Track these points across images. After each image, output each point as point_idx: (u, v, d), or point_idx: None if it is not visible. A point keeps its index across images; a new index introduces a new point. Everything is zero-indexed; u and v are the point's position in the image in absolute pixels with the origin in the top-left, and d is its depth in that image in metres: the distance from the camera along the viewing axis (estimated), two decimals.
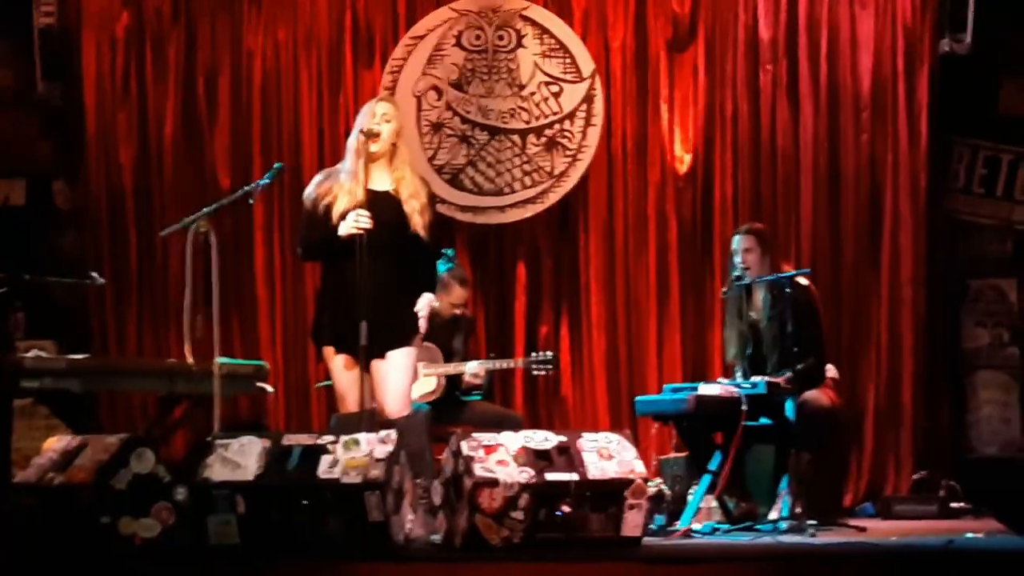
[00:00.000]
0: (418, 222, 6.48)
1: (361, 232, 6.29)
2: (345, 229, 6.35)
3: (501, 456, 5.67)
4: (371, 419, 6.30)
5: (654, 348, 9.08)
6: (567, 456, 5.74)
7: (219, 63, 9.44)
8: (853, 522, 7.24)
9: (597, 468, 5.72)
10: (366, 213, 6.31)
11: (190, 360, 7.06)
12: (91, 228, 9.42)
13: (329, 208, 6.49)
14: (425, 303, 6.52)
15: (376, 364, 6.44)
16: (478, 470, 5.57)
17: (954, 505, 8.02)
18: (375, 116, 6.54)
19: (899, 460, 8.73)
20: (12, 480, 6.24)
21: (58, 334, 9.16)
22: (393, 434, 5.69)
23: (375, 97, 7.04)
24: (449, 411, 7.89)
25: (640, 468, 5.80)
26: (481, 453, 5.66)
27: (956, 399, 9.07)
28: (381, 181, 6.54)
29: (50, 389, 7.17)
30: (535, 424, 8.36)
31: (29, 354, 7.28)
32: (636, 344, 9.13)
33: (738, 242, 7.61)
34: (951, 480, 8.22)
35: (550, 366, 8.13)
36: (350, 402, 6.44)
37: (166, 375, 7.51)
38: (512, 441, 5.74)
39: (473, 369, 8.02)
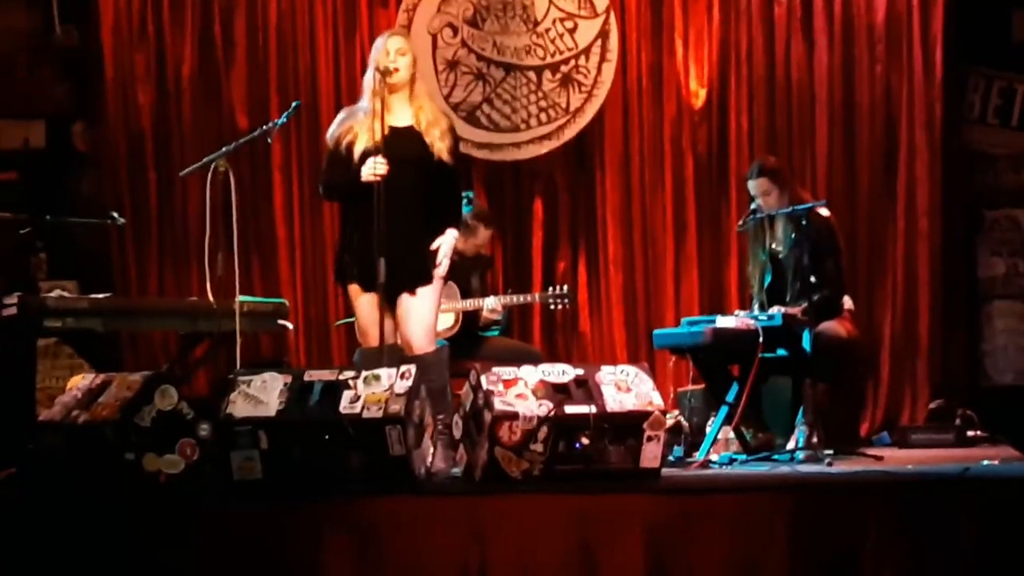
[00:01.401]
0: (441, 148, 6.53)
1: (378, 179, 6.33)
2: (364, 173, 6.39)
3: (520, 390, 5.71)
4: (393, 354, 6.36)
5: (671, 282, 9.13)
6: (585, 389, 5.79)
7: (235, 3, 9.44)
8: (870, 451, 7.28)
9: (615, 401, 5.76)
10: (383, 160, 6.34)
11: (211, 298, 7.13)
12: (110, 169, 9.46)
13: (351, 147, 6.54)
14: (446, 241, 6.56)
15: (402, 300, 6.51)
16: (498, 404, 5.62)
17: (970, 433, 8.06)
18: (389, 53, 6.56)
19: (915, 390, 8.78)
20: (37, 418, 6.29)
21: (80, 274, 9.20)
22: (413, 369, 5.74)
23: (386, 32, 7.04)
24: (467, 347, 7.93)
25: (658, 400, 5.83)
26: (501, 387, 5.70)
27: (972, 329, 9.10)
28: (401, 116, 6.57)
29: (73, 328, 7.26)
30: (554, 359, 8.41)
31: (52, 294, 7.36)
32: (653, 278, 9.18)
33: (754, 187, 7.57)
34: (967, 409, 8.25)
35: (567, 300, 8.18)
36: (373, 338, 6.50)
37: (187, 313, 7.59)
38: (531, 375, 5.78)
39: (491, 305, 8.06)
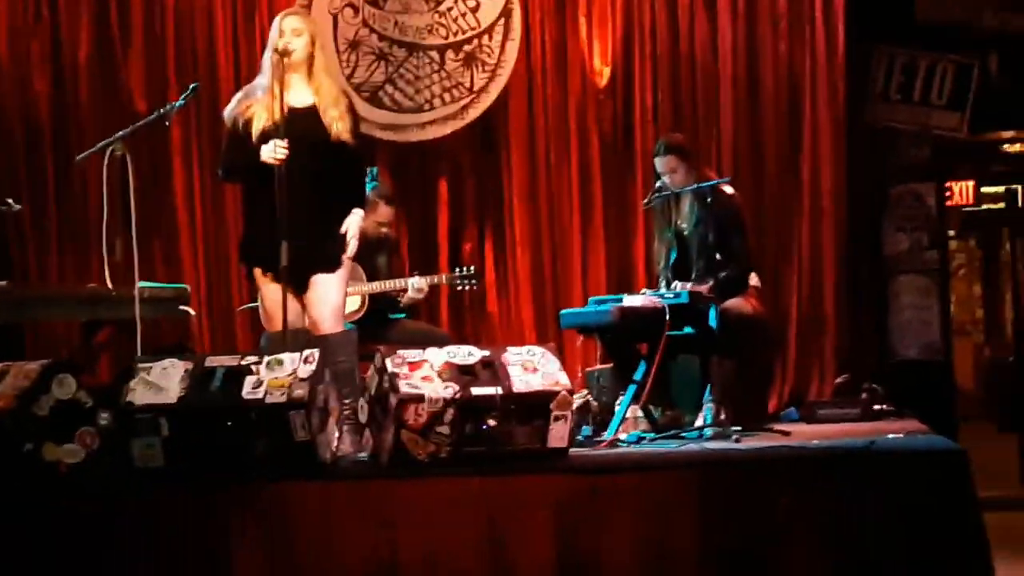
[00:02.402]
0: (340, 128, 6.46)
1: (278, 162, 6.25)
2: (265, 156, 6.31)
3: (426, 372, 5.68)
4: (299, 338, 6.30)
5: (578, 262, 9.09)
6: (492, 370, 5.76)
7: None
8: (777, 427, 7.29)
9: (522, 381, 5.74)
10: (283, 143, 6.27)
11: (110, 285, 7.02)
12: (7, 155, 9.27)
13: (248, 125, 6.47)
14: (353, 223, 6.50)
15: (310, 283, 6.46)
16: (403, 386, 5.58)
17: (876, 407, 8.09)
18: (284, 33, 6.49)
19: (823, 366, 8.82)
20: None
21: None
22: (316, 353, 5.68)
23: (284, 11, 6.96)
24: (374, 329, 7.85)
25: (564, 380, 5.82)
26: (406, 370, 5.66)
27: (878, 304, 9.16)
28: (300, 95, 6.51)
29: None
30: (462, 341, 8.31)
31: None
32: (560, 258, 9.14)
33: (660, 164, 7.59)
34: (873, 383, 8.30)
35: (473, 281, 8.14)
36: (278, 322, 6.41)
37: (86, 301, 7.48)
38: (436, 357, 5.75)
39: (418, 284, 8.00)
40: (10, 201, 7.81)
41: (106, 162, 6.91)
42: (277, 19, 6.63)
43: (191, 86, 7.17)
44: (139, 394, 5.61)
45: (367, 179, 7.13)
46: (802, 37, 8.96)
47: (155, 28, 9.27)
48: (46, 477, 5.59)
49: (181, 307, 7.84)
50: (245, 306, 8.56)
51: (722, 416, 6.99)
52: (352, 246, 6.51)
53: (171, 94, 8.89)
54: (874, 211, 9.18)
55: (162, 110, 7.11)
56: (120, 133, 6.93)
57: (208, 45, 9.27)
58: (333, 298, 6.49)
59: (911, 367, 9.03)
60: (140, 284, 6.90)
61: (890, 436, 6.44)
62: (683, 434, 6.98)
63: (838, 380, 8.61)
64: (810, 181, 8.92)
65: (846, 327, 8.85)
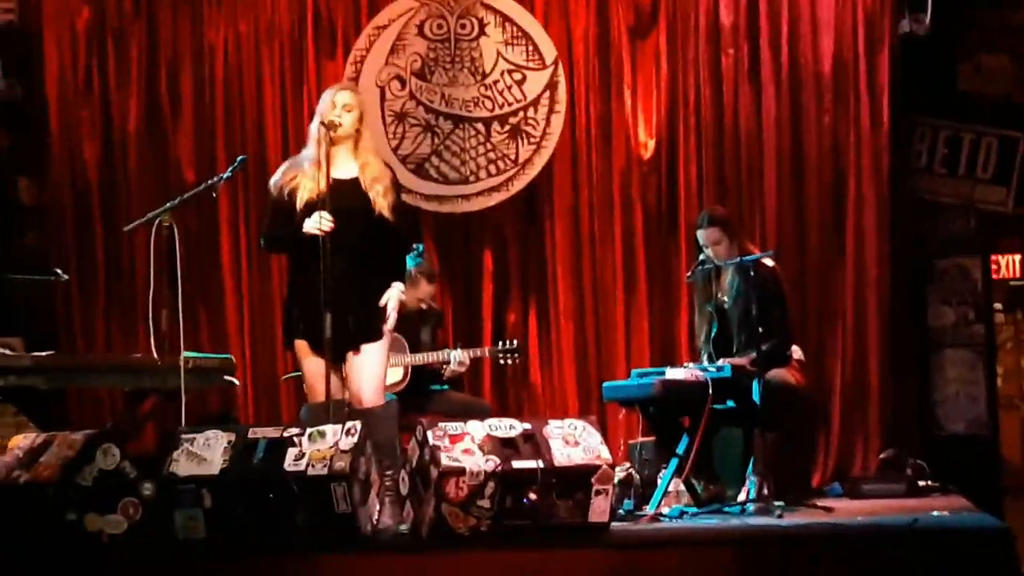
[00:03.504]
0: (383, 204, 6.48)
1: (323, 233, 6.29)
2: (308, 228, 6.35)
3: (467, 445, 5.67)
4: (340, 410, 6.31)
5: (622, 333, 9.10)
6: (533, 443, 5.74)
7: (181, 57, 9.43)
8: (821, 502, 7.25)
9: (563, 455, 5.72)
10: (329, 217, 6.31)
11: (155, 354, 7.06)
12: (56, 224, 9.40)
13: (293, 195, 6.50)
14: (393, 296, 6.52)
15: (350, 356, 6.47)
16: (444, 459, 5.58)
17: (922, 483, 8.02)
18: (335, 107, 6.53)
19: (867, 440, 8.76)
20: None
21: (26, 331, 9.10)
22: (359, 425, 5.70)
23: (335, 85, 7.02)
24: (416, 400, 7.90)
25: (606, 454, 5.80)
26: (447, 442, 5.66)
27: (923, 377, 9.10)
28: (345, 168, 6.54)
29: (15, 387, 7.18)
30: (504, 412, 8.36)
31: None
32: (604, 330, 9.14)
33: (703, 236, 7.59)
34: (918, 459, 8.24)
35: (516, 355, 8.18)
36: (319, 394, 6.43)
37: (132, 370, 7.52)
38: (477, 429, 5.74)
39: (459, 357, 8.06)
40: (58, 271, 7.92)
41: (153, 232, 6.94)
42: (329, 92, 6.68)
43: (238, 159, 7.22)
44: (182, 465, 5.63)
45: (412, 255, 7.16)
46: (846, 109, 8.97)
47: (204, 99, 9.40)
48: (89, 547, 5.62)
49: (226, 377, 7.88)
50: (289, 375, 8.60)
51: (765, 491, 6.94)
52: (392, 318, 6.53)
53: (220, 165, 9.01)
54: (919, 284, 9.14)
55: (210, 181, 7.14)
56: (168, 204, 6.96)
57: (257, 115, 9.38)
58: (374, 371, 6.50)
59: (957, 441, 8.95)
60: (185, 354, 6.93)
61: (934, 513, 6.39)
62: (725, 509, 6.94)
63: (882, 455, 8.54)
64: (854, 253, 8.90)
65: (890, 400, 8.79)
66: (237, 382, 8.15)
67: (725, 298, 7.59)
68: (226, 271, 9.31)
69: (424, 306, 8.21)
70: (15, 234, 9.46)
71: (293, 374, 8.35)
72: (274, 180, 6.67)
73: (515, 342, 8.22)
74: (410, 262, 7.57)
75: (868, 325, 8.84)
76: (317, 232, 6.31)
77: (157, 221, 6.92)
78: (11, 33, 9.35)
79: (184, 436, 5.75)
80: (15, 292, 8.87)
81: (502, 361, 8.27)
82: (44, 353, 7.44)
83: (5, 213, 9.52)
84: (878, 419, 8.75)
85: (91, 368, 7.73)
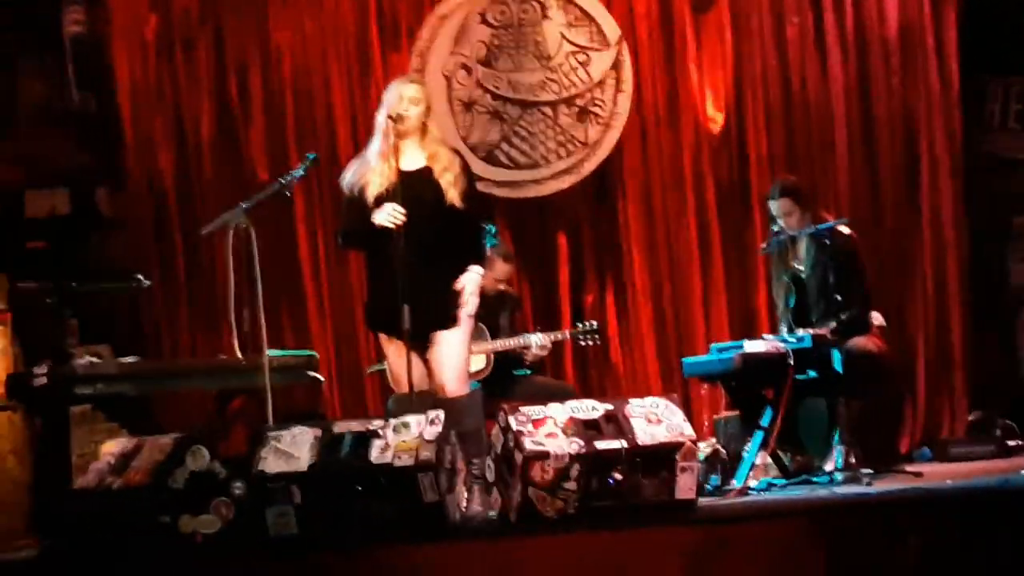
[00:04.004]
0: (454, 194, 6.50)
1: (396, 227, 6.34)
2: (380, 220, 6.39)
3: (550, 428, 5.68)
4: (425, 400, 6.35)
5: (700, 309, 9.11)
6: (615, 424, 5.75)
7: (249, 59, 9.51)
8: (910, 468, 7.23)
9: (646, 433, 5.72)
10: (400, 208, 6.34)
11: (239, 355, 7.14)
12: (136, 232, 9.52)
13: (364, 190, 6.54)
14: (471, 280, 6.54)
15: (431, 345, 6.50)
16: (528, 444, 5.60)
17: (1011, 443, 7.99)
18: (402, 99, 6.55)
19: (953, 402, 8.73)
20: (72, 487, 6.31)
21: (114, 338, 9.22)
22: (442, 414, 5.73)
23: (401, 76, 7.03)
24: (501, 387, 7.93)
25: (689, 431, 5.79)
26: (530, 427, 5.67)
27: (1007, 336, 9.02)
28: (413, 159, 6.56)
29: (104, 394, 7.30)
30: (587, 393, 8.39)
31: (82, 360, 7.39)
32: (682, 306, 9.16)
33: (776, 208, 7.57)
34: (1007, 419, 8.18)
35: (596, 335, 8.19)
36: (404, 385, 6.47)
37: (217, 372, 7.61)
38: (560, 412, 5.75)
39: (540, 341, 8.09)
40: (140, 277, 8.01)
41: (231, 234, 7.01)
42: (395, 85, 6.70)
43: (309, 156, 7.25)
44: (271, 463, 5.68)
45: (486, 237, 7.19)
46: (915, 71, 8.94)
47: (274, 100, 9.48)
48: (184, 548, 5.68)
49: (310, 373, 7.95)
50: (372, 368, 8.67)
51: (852, 459, 6.93)
52: (472, 303, 6.54)
53: (292, 164, 9.00)
54: (998, 242, 9.06)
55: (282, 181, 7.18)
56: (243, 205, 7.02)
57: (327, 112, 9.45)
58: (456, 359, 6.53)
59: None
60: (268, 353, 7.00)
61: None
62: (813, 479, 6.93)
63: (971, 417, 8.50)
64: (930, 215, 8.86)
65: (976, 362, 8.74)
66: (322, 378, 8.23)
67: (802, 267, 7.56)
68: (305, 268, 9.39)
69: (502, 287, 8.24)
70: (97, 245, 9.58)
71: (376, 367, 8.42)
72: (345, 178, 6.71)
73: (594, 323, 8.23)
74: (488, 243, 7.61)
75: (948, 287, 8.81)
76: (389, 224, 6.35)
77: (233, 223, 6.99)
78: (82, 45, 9.46)
79: (271, 434, 5.80)
80: (101, 301, 8.99)
81: (582, 342, 8.28)
82: (130, 359, 7.55)
83: (87, 225, 9.65)
84: (964, 381, 8.72)
85: (177, 372, 7.84)
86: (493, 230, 8.25)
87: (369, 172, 6.55)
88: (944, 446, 8.16)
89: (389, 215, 6.36)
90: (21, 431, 8.08)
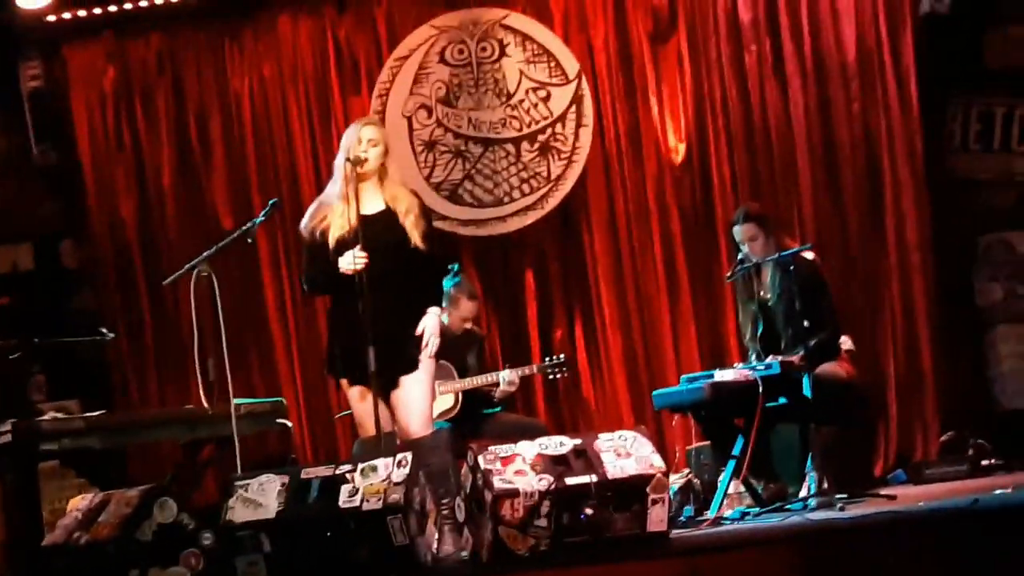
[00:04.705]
0: (416, 236, 6.48)
1: (357, 272, 6.31)
2: (343, 266, 6.37)
3: (518, 466, 5.64)
4: (391, 442, 6.32)
5: (669, 339, 9.10)
6: (585, 459, 5.71)
7: (208, 106, 9.51)
8: (885, 491, 7.20)
9: (616, 467, 5.69)
10: (362, 254, 6.32)
11: (206, 404, 7.10)
12: (101, 283, 9.50)
13: (325, 234, 6.51)
14: (430, 323, 6.52)
15: (393, 388, 6.47)
16: (497, 482, 5.56)
17: (984, 463, 7.98)
18: (361, 141, 6.53)
19: (925, 424, 8.71)
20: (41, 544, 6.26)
21: (82, 391, 9.19)
22: (409, 456, 5.70)
23: (359, 120, 7.02)
24: (471, 425, 7.90)
25: (659, 462, 5.75)
26: (498, 465, 5.64)
27: (976, 357, 9.02)
28: (372, 203, 6.54)
29: (71, 448, 7.24)
30: (559, 429, 8.37)
31: (47, 416, 7.34)
32: (651, 337, 9.15)
33: (739, 232, 7.58)
34: (979, 438, 8.17)
35: (564, 369, 8.16)
36: (369, 428, 6.43)
37: (184, 422, 7.57)
38: (528, 449, 5.72)
39: (509, 378, 8.05)
40: (103, 330, 7.98)
41: (193, 283, 6.98)
42: (354, 127, 6.67)
43: (270, 202, 7.23)
44: (238, 512, 5.64)
45: (449, 276, 7.16)
46: (874, 95, 8.95)
47: (234, 145, 9.50)
48: None
49: (279, 420, 7.91)
50: (341, 413, 8.63)
51: (825, 485, 6.91)
52: (432, 344, 6.52)
53: (255, 209, 9.04)
54: (964, 262, 9.06)
55: (243, 227, 7.15)
56: (204, 254, 7.00)
57: (288, 157, 9.47)
58: (418, 401, 6.49)
59: (1017, 417, 8.85)
60: (236, 401, 6.96)
61: (997, 492, 6.33)
62: (788, 506, 6.90)
63: (943, 438, 8.49)
64: (895, 238, 8.87)
65: (946, 382, 8.74)
66: (291, 424, 8.18)
67: (768, 295, 7.56)
68: (272, 314, 9.38)
69: (468, 326, 8.22)
70: (63, 298, 9.54)
71: (345, 412, 8.37)
72: (304, 224, 6.67)
73: (562, 356, 8.21)
74: (448, 283, 7.59)
75: (916, 309, 8.80)
76: (352, 272, 6.33)
77: (196, 271, 6.96)
78: (40, 98, 9.44)
79: (238, 483, 5.76)
80: (67, 355, 8.95)
81: (551, 376, 8.26)
82: (96, 413, 7.50)
83: (52, 277, 9.61)
84: (935, 402, 8.71)
85: (143, 424, 7.77)
86: (456, 267, 8.24)
87: (330, 214, 6.53)
88: (918, 468, 8.14)
89: (351, 262, 6.33)
90: None
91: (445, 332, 6.69)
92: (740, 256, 7.58)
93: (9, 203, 9.63)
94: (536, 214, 9.26)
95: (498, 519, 5.52)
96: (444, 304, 6.87)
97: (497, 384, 8.03)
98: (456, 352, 7.93)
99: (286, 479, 5.73)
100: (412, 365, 6.46)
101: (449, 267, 7.34)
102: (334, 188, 6.59)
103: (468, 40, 9.35)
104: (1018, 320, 9.04)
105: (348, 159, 6.49)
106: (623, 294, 9.19)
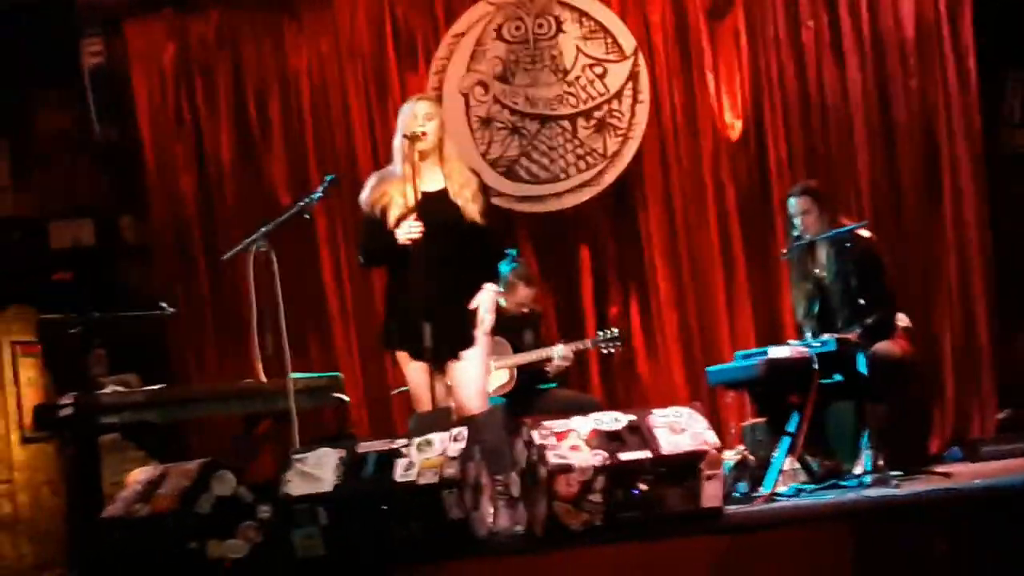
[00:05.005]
0: (472, 210, 6.52)
1: (413, 241, 6.34)
2: (400, 237, 6.41)
3: (573, 441, 5.66)
4: (447, 418, 6.36)
5: (724, 316, 9.09)
6: (639, 434, 5.72)
7: (267, 83, 9.57)
8: (940, 468, 7.19)
9: (670, 443, 5.69)
10: (417, 223, 6.36)
11: (263, 379, 7.16)
12: (160, 259, 9.58)
13: (385, 211, 6.55)
14: (485, 299, 6.55)
15: (450, 364, 6.52)
16: (551, 457, 5.58)
17: None
18: (416, 117, 6.57)
19: (982, 401, 8.67)
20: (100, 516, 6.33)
21: (142, 366, 9.25)
22: (465, 431, 5.73)
23: (412, 97, 7.05)
24: (526, 401, 7.93)
25: (712, 438, 5.75)
26: (553, 440, 5.66)
27: None
28: (432, 180, 6.58)
29: (131, 422, 7.33)
30: (613, 405, 8.36)
31: (107, 390, 7.42)
32: (706, 314, 9.14)
33: (794, 205, 7.59)
34: None
35: (618, 343, 8.18)
36: (425, 404, 6.49)
37: (242, 396, 7.66)
38: (583, 425, 5.74)
39: (562, 352, 8.08)
40: (164, 305, 8.05)
41: (251, 259, 7.03)
42: (408, 104, 6.72)
43: (327, 178, 7.27)
44: (295, 485, 5.69)
45: (505, 260, 7.18)
46: (932, 71, 8.89)
47: (293, 122, 9.53)
48: (212, 574, 5.70)
49: (335, 395, 7.97)
50: (399, 389, 8.66)
51: (880, 462, 6.90)
52: (488, 321, 6.56)
53: (313, 186, 9.03)
54: (1021, 239, 8.99)
55: (301, 203, 7.19)
56: (263, 229, 7.05)
57: (346, 133, 9.49)
58: (474, 378, 6.54)
59: None
60: (292, 375, 7.02)
61: None
62: (842, 483, 6.90)
63: (1000, 415, 8.46)
64: (953, 214, 8.82)
65: (1003, 360, 8.69)
66: (347, 399, 8.24)
67: (824, 273, 7.54)
68: (329, 289, 9.43)
69: (525, 310, 8.24)
70: (122, 273, 9.64)
71: (402, 388, 8.41)
72: (363, 197, 6.71)
73: (615, 330, 8.23)
74: (505, 268, 7.61)
75: (973, 286, 8.76)
76: (407, 241, 6.37)
77: (254, 247, 7.01)
78: (101, 76, 9.53)
79: (296, 456, 5.81)
80: (127, 330, 9.03)
81: (604, 350, 8.28)
82: (155, 387, 7.57)
83: (113, 253, 9.70)
84: (992, 379, 8.67)
85: (202, 398, 7.86)
86: (514, 252, 8.25)
87: (391, 191, 6.56)
88: (974, 445, 8.11)
89: (407, 232, 6.37)
90: (54, 462, 8.10)
91: (502, 312, 6.71)
92: (795, 233, 7.57)
93: (70, 180, 9.72)
94: (592, 190, 9.26)
95: (552, 494, 5.54)
96: (501, 288, 6.88)
97: (551, 359, 8.06)
98: (513, 330, 7.96)
99: (343, 453, 5.77)
100: (468, 341, 6.50)
101: (507, 252, 7.35)
102: (395, 167, 6.63)
103: (525, 17, 9.35)
104: None
105: (405, 135, 6.52)
106: (678, 271, 9.19)
